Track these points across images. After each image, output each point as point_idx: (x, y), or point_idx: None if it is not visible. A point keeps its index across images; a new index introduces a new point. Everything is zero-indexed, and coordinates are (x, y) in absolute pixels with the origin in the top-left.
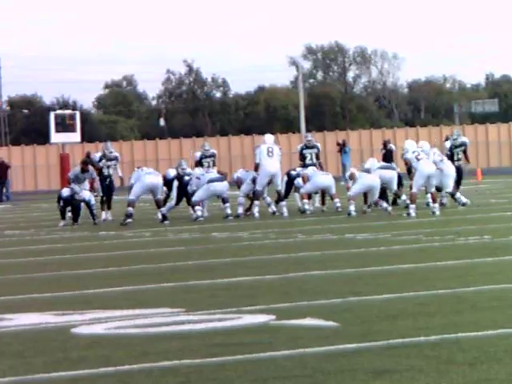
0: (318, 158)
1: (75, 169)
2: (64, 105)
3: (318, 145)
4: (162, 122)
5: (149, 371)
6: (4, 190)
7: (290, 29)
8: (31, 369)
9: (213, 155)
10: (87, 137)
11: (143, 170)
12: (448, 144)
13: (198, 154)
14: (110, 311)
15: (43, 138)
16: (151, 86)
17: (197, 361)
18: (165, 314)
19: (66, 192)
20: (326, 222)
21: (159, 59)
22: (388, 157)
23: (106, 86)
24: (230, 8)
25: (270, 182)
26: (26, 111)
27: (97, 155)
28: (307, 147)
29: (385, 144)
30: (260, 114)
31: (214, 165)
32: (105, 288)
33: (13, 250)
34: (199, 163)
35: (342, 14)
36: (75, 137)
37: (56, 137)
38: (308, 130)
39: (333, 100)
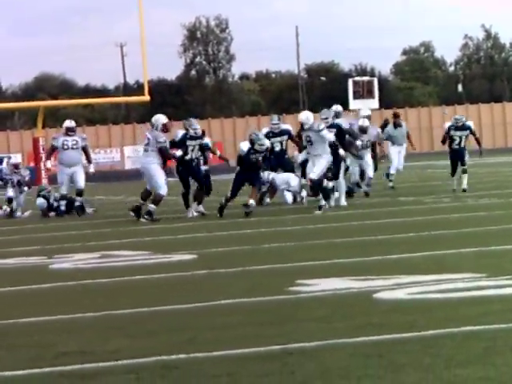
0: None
1: None
2: (362, 71)
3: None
4: (459, 88)
5: (452, 336)
6: None
7: None
8: (336, 333)
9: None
10: (385, 103)
11: None
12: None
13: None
14: (412, 276)
15: (341, 105)
16: (449, 52)
17: (502, 326)
18: (467, 279)
19: None
20: None
21: (457, 25)
22: None
23: (404, 53)
24: None
25: None
26: (323, 78)
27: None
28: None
29: None
30: None
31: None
32: (405, 254)
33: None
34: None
35: None
36: (373, 103)
37: (354, 103)
38: None
39: None
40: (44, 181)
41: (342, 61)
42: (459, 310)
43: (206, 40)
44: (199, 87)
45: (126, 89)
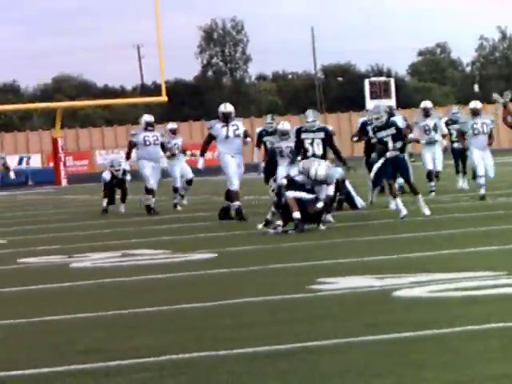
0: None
1: None
2: (378, 72)
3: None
4: (476, 88)
5: (472, 334)
6: None
7: None
8: (355, 331)
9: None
10: (402, 103)
11: None
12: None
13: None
14: (432, 274)
15: (357, 106)
16: (465, 53)
17: None
18: (486, 277)
19: None
20: None
21: (472, 26)
22: None
23: (420, 54)
24: None
25: None
26: (340, 79)
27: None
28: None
29: None
30: None
31: None
32: (425, 252)
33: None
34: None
35: None
36: (390, 104)
37: (371, 104)
38: None
39: None
40: (64, 181)
41: (359, 62)
42: (478, 307)
43: (222, 41)
44: (217, 88)
45: (144, 90)
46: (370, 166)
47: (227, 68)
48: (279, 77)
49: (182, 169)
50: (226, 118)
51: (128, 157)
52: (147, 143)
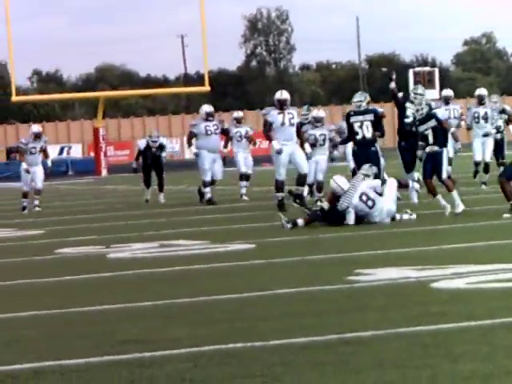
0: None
1: None
2: (423, 62)
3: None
4: None
5: (509, 326)
6: None
7: None
8: (393, 323)
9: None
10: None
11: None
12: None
13: None
14: (471, 266)
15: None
16: (510, 43)
17: None
18: None
19: None
20: None
21: None
22: None
23: (465, 43)
24: None
25: None
26: (384, 69)
27: None
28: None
29: None
30: None
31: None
32: (464, 243)
33: None
34: None
35: None
36: (434, 94)
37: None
38: None
39: None
40: (104, 171)
41: (403, 52)
42: None
43: (266, 31)
44: (260, 78)
45: (187, 79)
46: (401, 151)
47: (271, 58)
48: (323, 67)
49: (244, 159)
50: (281, 105)
51: (189, 144)
52: (208, 132)
